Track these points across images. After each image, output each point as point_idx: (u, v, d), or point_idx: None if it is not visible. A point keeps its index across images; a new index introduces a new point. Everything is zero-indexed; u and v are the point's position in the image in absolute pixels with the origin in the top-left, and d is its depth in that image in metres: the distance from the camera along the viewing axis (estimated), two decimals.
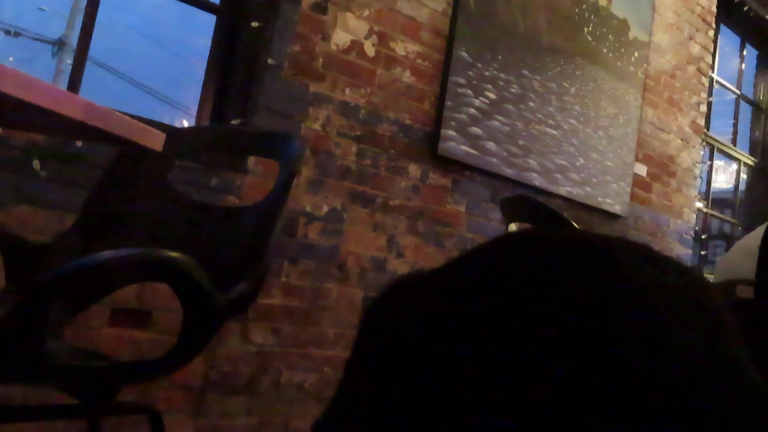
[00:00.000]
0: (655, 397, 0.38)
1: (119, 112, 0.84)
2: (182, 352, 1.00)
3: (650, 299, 0.42)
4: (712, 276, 2.48)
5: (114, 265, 0.83)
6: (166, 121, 2.22)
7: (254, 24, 2.10)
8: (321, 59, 2.13)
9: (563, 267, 0.45)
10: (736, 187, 4.46)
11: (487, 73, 2.52)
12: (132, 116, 1.52)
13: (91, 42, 1.92)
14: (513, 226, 1.86)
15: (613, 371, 0.39)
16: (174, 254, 0.91)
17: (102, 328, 1.70)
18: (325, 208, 2.14)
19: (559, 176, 2.79)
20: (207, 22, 2.18)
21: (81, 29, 1.94)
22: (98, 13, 1.93)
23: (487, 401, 0.40)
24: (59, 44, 11.29)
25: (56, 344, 1.10)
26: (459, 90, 2.43)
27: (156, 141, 0.77)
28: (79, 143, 1.67)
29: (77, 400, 1.03)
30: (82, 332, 1.64)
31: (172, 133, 1.34)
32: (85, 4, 1.94)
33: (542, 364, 0.39)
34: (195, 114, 2.13)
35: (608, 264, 0.45)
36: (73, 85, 1.88)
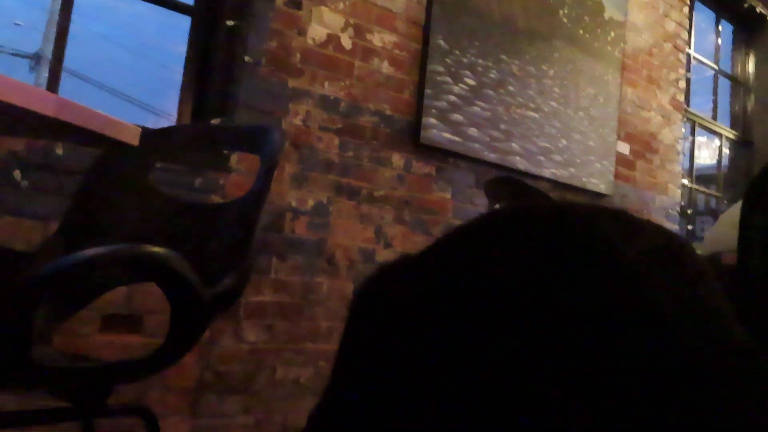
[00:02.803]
0: (643, 362, 0.38)
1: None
2: (172, 349, 1.00)
3: (632, 263, 0.43)
4: (700, 250, 2.50)
5: (97, 261, 0.82)
6: None
7: (229, 23, 2.09)
8: (298, 54, 2.13)
9: (545, 239, 0.45)
10: (719, 161, 4.50)
11: (465, 60, 2.53)
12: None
13: (71, 54, 1.91)
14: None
15: (598, 339, 0.39)
16: (158, 249, 0.91)
17: (93, 335, 1.69)
18: (311, 203, 2.14)
19: (542, 158, 2.81)
20: (186, 27, 2.17)
21: (55, 40, 1.93)
22: (77, 25, 1.92)
23: (477, 381, 0.40)
24: (36, 58, 11.20)
25: (44, 349, 1.10)
26: (438, 78, 2.44)
27: (131, 135, 0.77)
28: (59, 151, 1.66)
29: (69, 404, 1.03)
30: (73, 340, 1.63)
31: (150, 133, 1.34)
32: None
33: (529, 338, 0.40)
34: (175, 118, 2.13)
35: (589, 232, 0.45)
36: None
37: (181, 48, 2.16)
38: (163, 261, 0.91)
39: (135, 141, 0.79)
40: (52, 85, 1.89)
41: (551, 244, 0.44)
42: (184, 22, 2.17)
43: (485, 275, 0.44)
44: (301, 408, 2.06)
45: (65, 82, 1.96)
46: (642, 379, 0.38)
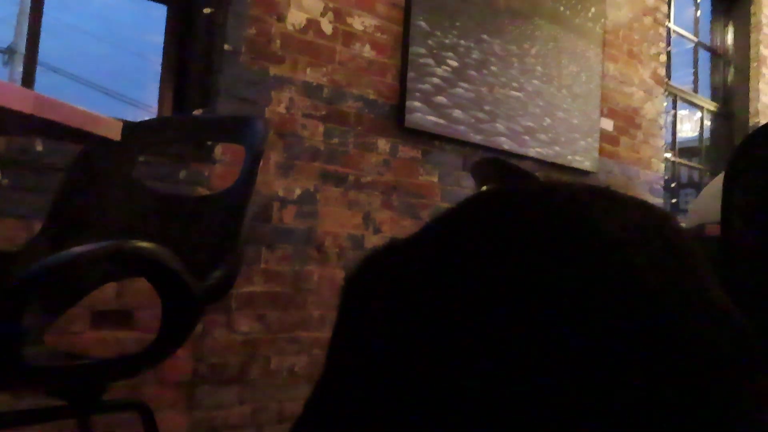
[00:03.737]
0: (629, 334, 0.39)
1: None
2: (165, 343, 0.99)
3: (616, 240, 0.43)
4: (684, 222, 2.53)
5: (85, 258, 0.82)
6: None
7: (206, 11, 2.06)
8: (278, 41, 2.11)
9: (530, 220, 0.45)
10: (701, 133, 4.54)
11: (447, 41, 2.51)
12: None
13: (44, 47, 1.87)
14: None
15: (583, 313, 0.39)
16: (146, 244, 0.90)
17: (84, 332, 1.68)
18: (298, 191, 2.13)
19: (527, 138, 2.81)
20: (161, 16, 2.13)
21: (27, 34, 1.88)
22: (48, 17, 1.88)
23: (468, 362, 0.40)
24: (9, 52, 10.97)
25: (36, 349, 1.09)
26: (420, 60, 2.42)
27: (112, 130, 0.76)
28: (39, 148, 1.63)
29: (65, 402, 1.02)
30: (65, 338, 1.62)
31: (131, 127, 1.32)
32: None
33: (517, 317, 0.40)
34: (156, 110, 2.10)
35: (573, 211, 0.45)
36: None
37: (157, 37, 2.13)
38: (152, 256, 0.90)
39: (116, 135, 0.77)
40: (28, 80, 1.85)
41: (536, 225, 0.44)
42: (160, 10, 2.13)
43: (473, 258, 0.44)
44: (296, 396, 2.07)
45: (40, 76, 1.93)
46: (629, 350, 0.39)
